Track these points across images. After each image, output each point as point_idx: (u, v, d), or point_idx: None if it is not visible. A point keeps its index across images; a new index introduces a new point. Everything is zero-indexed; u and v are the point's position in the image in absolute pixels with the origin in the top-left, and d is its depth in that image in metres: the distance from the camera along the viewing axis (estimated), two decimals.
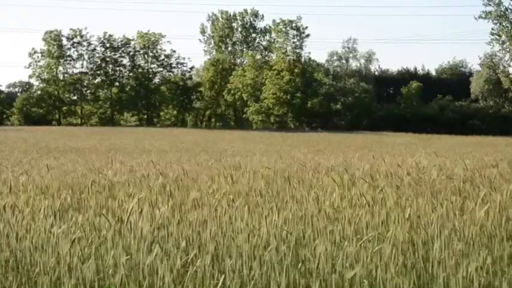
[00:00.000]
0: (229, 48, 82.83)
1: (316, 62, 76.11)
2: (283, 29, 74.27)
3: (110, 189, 7.61)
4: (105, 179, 8.52)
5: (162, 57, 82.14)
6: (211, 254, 4.32)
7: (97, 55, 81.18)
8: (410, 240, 4.75)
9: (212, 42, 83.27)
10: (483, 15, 62.00)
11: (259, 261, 4.31)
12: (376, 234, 4.71)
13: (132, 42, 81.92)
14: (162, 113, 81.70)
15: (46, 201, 6.21)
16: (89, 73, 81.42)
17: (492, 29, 62.82)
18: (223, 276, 4.05)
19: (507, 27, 62.03)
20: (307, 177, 8.15)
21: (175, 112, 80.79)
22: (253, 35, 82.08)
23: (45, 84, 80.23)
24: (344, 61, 76.97)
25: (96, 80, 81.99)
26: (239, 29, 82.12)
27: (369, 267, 4.17)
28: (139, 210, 5.41)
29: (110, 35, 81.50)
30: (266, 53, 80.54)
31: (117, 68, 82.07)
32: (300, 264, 4.33)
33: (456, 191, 6.81)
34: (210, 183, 7.69)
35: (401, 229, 4.82)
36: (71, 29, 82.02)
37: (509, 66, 66.85)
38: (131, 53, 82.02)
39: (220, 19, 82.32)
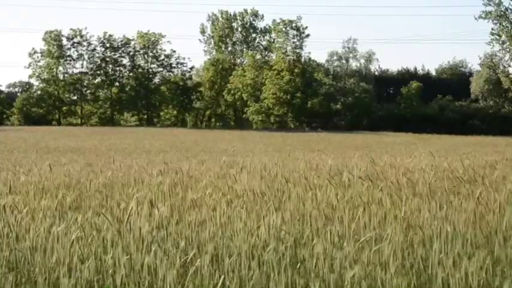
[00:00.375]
0: (229, 48, 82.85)
1: (316, 62, 76.20)
2: (283, 29, 74.29)
3: (109, 189, 7.62)
4: (105, 179, 8.53)
5: (162, 57, 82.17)
6: (210, 254, 4.33)
7: (97, 55, 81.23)
8: (408, 240, 4.76)
9: (212, 42, 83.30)
10: (483, 15, 62.06)
11: (258, 261, 4.31)
12: (373, 235, 4.71)
13: (132, 42, 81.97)
14: (162, 113, 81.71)
15: (45, 201, 6.22)
16: (89, 73, 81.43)
17: (492, 29, 62.92)
18: (222, 276, 4.06)
19: (507, 27, 62.05)
20: (305, 177, 8.15)
21: (175, 112, 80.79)
22: (253, 35, 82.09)
23: (45, 84, 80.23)
24: (344, 61, 77.01)
25: (96, 80, 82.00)
26: (239, 29, 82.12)
27: (368, 268, 4.18)
28: (138, 210, 5.42)
29: (110, 35, 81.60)
30: (266, 53, 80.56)
31: (117, 68, 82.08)
32: (298, 264, 4.33)
33: (455, 192, 6.81)
34: (209, 183, 7.70)
35: (399, 229, 4.83)
36: (71, 29, 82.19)
37: (509, 66, 66.95)
38: (131, 53, 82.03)
39: (220, 19, 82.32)
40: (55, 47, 79.35)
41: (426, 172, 8.65)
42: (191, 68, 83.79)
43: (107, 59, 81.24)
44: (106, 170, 10.57)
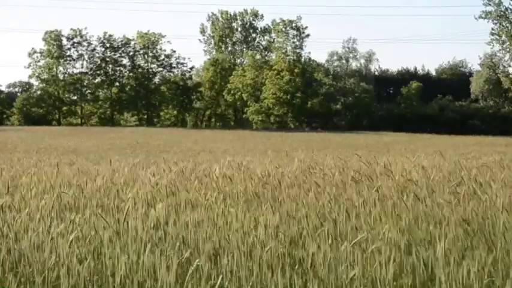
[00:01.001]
0: (229, 48, 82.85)
1: (316, 62, 76.19)
2: (283, 29, 74.30)
3: (108, 189, 7.61)
4: (103, 179, 8.52)
5: (162, 57, 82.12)
6: (207, 254, 4.33)
7: (97, 55, 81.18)
8: (406, 240, 4.76)
9: (212, 42, 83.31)
10: (483, 15, 62.04)
11: (257, 262, 4.32)
12: (371, 235, 4.72)
13: (132, 42, 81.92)
14: (162, 113, 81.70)
15: (44, 201, 6.22)
16: (89, 73, 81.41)
17: (492, 29, 62.90)
18: (220, 276, 4.06)
19: (507, 27, 62.03)
20: (303, 177, 8.16)
21: (175, 112, 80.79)
22: (253, 35, 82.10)
23: (45, 84, 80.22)
24: (344, 61, 77.00)
25: (96, 80, 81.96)
26: (239, 29, 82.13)
27: (368, 268, 4.18)
28: (136, 209, 5.43)
29: (110, 35, 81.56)
30: (266, 53, 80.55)
31: (117, 68, 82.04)
32: (297, 265, 4.34)
33: (454, 192, 6.82)
34: (207, 184, 7.70)
35: (398, 229, 4.84)
36: (71, 29, 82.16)
37: (509, 66, 66.98)
38: (131, 53, 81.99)
39: (220, 19, 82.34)
40: (55, 47, 79.31)
41: (425, 172, 8.65)
42: (191, 68, 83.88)
43: (107, 59, 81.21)
44: (105, 170, 10.57)
